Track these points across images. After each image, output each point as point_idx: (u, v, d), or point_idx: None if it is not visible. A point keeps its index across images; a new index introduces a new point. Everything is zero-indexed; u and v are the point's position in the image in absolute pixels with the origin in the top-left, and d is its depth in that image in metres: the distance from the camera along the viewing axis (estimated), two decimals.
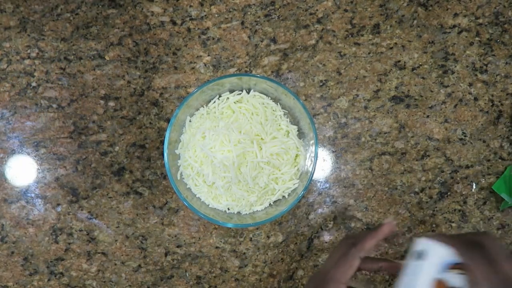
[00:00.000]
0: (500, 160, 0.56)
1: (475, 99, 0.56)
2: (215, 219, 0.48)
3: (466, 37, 0.56)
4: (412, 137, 0.56)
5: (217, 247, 0.56)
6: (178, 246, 0.56)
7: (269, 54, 0.56)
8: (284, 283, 0.56)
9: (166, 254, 0.56)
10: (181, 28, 0.56)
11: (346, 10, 0.56)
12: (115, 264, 0.56)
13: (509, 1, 0.56)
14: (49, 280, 0.57)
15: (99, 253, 0.56)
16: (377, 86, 0.56)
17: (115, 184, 0.56)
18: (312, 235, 0.56)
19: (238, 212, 0.51)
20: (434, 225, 0.56)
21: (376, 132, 0.56)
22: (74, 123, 0.56)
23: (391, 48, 0.56)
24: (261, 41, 0.56)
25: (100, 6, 0.56)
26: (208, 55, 0.56)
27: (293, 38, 0.56)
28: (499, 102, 0.56)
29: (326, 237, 0.56)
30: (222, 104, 0.51)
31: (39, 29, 0.56)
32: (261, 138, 0.49)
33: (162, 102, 0.56)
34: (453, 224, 0.56)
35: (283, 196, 0.52)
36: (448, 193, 0.56)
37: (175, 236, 0.56)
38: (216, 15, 0.56)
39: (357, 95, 0.56)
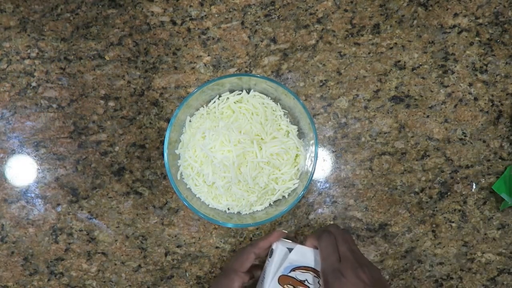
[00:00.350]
0: (500, 160, 0.56)
1: (475, 99, 0.56)
2: (215, 219, 0.48)
3: (466, 37, 0.56)
4: (412, 137, 0.56)
5: (217, 247, 0.56)
6: (178, 246, 0.56)
7: (269, 54, 0.56)
8: None
9: (166, 254, 0.56)
10: (181, 28, 0.56)
11: (346, 10, 0.56)
12: (115, 264, 0.56)
13: (509, 1, 0.56)
14: (49, 280, 0.57)
15: (99, 253, 0.56)
16: (377, 86, 0.56)
17: (115, 184, 0.56)
18: None
19: (238, 212, 0.51)
20: (434, 225, 0.56)
21: (376, 132, 0.56)
22: (74, 123, 0.56)
23: (391, 48, 0.56)
24: (261, 41, 0.56)
25: (100, 6, 0.56)
26: (208, 55, 0.56)
27: (293, 38, 0.56)
28: (499, 102, 0.56)
29: None
30: (222, 104, 0.51)
31: (39, 29, 0.56)
32: (261, 138, 0.49)
33: (162, 102, 0.56)
34: (453, 224, 0.56)
35: (283, 196, 0.52)
36: (448, 193, 0.56)
37: (175, 236, 0.56)
38: (216, 15, 0.56)
39: (357, 95, 0.56)
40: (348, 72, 0.56)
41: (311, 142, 0.49)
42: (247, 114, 0.50)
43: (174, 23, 0.56)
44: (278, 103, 0.52)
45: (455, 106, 0.56)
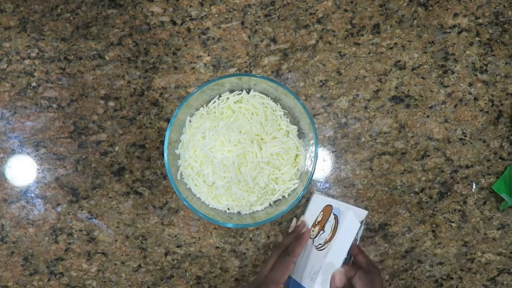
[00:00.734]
0: (500, 160, 0.56)
1: (475, 99, 0.56)
2: (215, 219, 0.48)
3: (466, 37, 0.56)
4: (412, 137, 0.56)
5: (217, 247, 0.56)
6: (178, 246, 0.56)
7: (269, 54, 0.56)
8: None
9: (166, 254, 0.56)
10: (181, 28, 0.56)
11: (346, 10, 0.56)
12: (115, 264, 0.56)
13: (509, 1, 0.56)
14: (49, 280, 0.57)
15: (99, 253, 0.56)
16: (377, 86, 0.56)
17: (115, 184, 0.56)
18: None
19: (238, 212, 0.51)
20: (434, 225, 0.56)
21: (376, 132, 0.56)
22: (74, 123, 0.56)
23: (391, 48, 0.56)
24: (261, 41, 0.56)
25: (100, 6, 0.56)
26: (208, 55, 0.56)
27: (293, 38, 0.56)
28: (499, 102, 0.56)
29: None
30: (222, 104, 0.51)
31: (39, 29, 0.56)
32: (261, 138, 0.49)
33: (162, 102, 0.56)
34: (453, 224, 0.56)
35: (283, 196, 0.52)
36: (448, 193, 0.56)
37: (175, 236, 0.56)
38: (216, 15, 0.56)
39: (357, 95, 0.56)
40: (348, 72, 0.56)
41: (311, 142, 0.49)
42: (247, 114, 0.50)
43: (174, 23, 0.56)
44: (278, 103, 0.52)
45: (455, 106, 0.56)
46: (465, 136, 0.56)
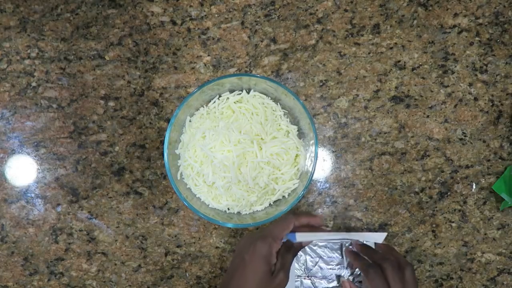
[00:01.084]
0: (500, 160, 0.56)
1: (475, 99, 0.56)
2: (215, 219, 0.48)
3: (466, 37, 0.56)
4: (412, 137, 0.56)
5: (217, 247, 0.56)
6: (178, 246, 0.56)
7: (269, 54, 0.56)
8: None
9: (166, 254, 0.56)
10: (181, 28, 0.56)
11: (346, 10, 0.56)
12: (115, 264, 0.56)
13: (509, 1, 0.56)
14: (49, 280, 0.57)
15: (99, 253, 0.56)
16: (377, 86, 0.56)
17: (115, 184, 0.56)
18: None
19: (238, 212, 0.51)
20: (434, 225, 0.56)
21: (376, 132, 0.56)
22: (74, 123, 0.56)
23: (391, 48, 0.56)
24: (261, 41, 0.56)
25: (100, 6, 0.56)
26: (208, 55, 0.56)
27: (293, 38, 0.56)
28: (499, 102, 0.56)
29: None
30: (222, 104, 0.51)
31: (39, 29, 0.56)
32: (261, 138, 0.49)
33: (162, 102, 0.56)
34: (453, 224, 0.56)
35: (283, 196, 0.52)
36: (448, 193, 0.56)
37: (175, 236, 0.56)
38: (216, 15, 0.56)
39: (357, 95, 0.56)
40: (348, 72, 0.56)
41: (311, 142, 0.49)
42: (247, 114, 0.50)
43: (174, 23, 0.56)
44: (278, 103, 0.52)
45: (455, 106, 0.56)
46: (465, 136, 0.56)
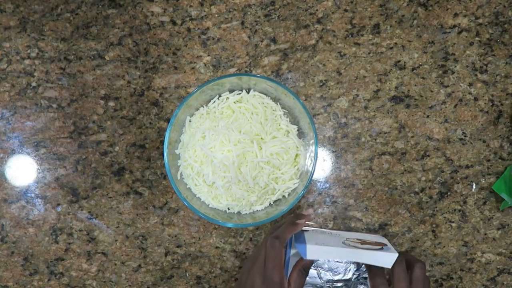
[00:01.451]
0: (500, 160, 0.56)
1: (475, 99, 0.56)
2: (215, 219, 0.48)
3: (466, 37, 0.56)
4: (412, 137, 0.56)
5: (217, 247, 0.56)
6: (178, 246, 0.56)
7: (269, 54, 0.56)
8: None
9: (166, 254, 0.56)
10: (181, 28, 0.56)
11: (346, 10, 0.56)
12: (115, 264, 0.56)
13: (509, 1, 0.56)
14: (49, 280, 0.57)
15: (99, 253, 0.56)
16: (377, 86, 0.56)
17: (115, 184, 0.56)
18: None
19: (238, 212, 0.51)
20: (434, 225, 0.56)
21: (376, 132, 0.56)
22: (74, 123, 0.56)
23: (391, 48, 0.56)
24: (261, 41, 0.56)
25: (100, 6, 0.56)
26: (208, 55, 0.56)
27: (293, 38, 0.56)
28: (499, 102, 0.56)
29: None
30: (222, 104, 0.51)
31: (39, 29, 0.56)
32: (261, 138, 0.49)
33: (162, 102, 0.56)
34: (453, 224, 0.56)
35: (283, 196, 0.52)
36: (448, 193, 0.56)
37: (175, 236, 0.56)
38: (216, 15, 0.56)
39: (357, 95, 0.56)
40: (348, 72, 0.56)
41: (311, 141, 0.49)
42: (247, 114, 0.50)
43: (174, 23, 0.56)
44: (278, 103, 0.52)
45: (455, 106, 0.56)
46: (465, 136, 0.56)
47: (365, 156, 0.56)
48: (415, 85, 0.56)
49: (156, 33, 0.56)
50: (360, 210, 0.56)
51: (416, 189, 0.56)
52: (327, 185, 0.56)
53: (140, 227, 0.56)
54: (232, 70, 0.56)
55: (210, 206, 0.51)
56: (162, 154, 0.56)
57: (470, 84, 0.56)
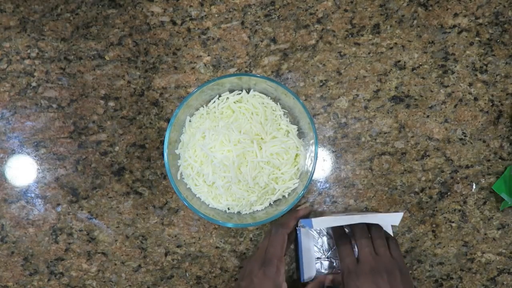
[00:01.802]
0: (500, 160, 0.56)
1: (475, 99, 0.56)
2: (215, 219, 0.48)
3: (466, 37, 0.56)
4: (412, 137, 0.56)
5: (217, 247, 0.56)
6: (178, 246, 0.56)
7: (269, 54, 0.56)
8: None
9: (166, 254, 0.56)
10: (181, 28, 0.56)
11: (346, 10, 0.56)
12: (115, 264, 0.56)
13: (509, 1, 0.56)
14: (49, 280, 0.57)
15: (99, 253, 0.56)
16: (377, 86, 0.56)
17: (115, 184, 0.56)
18: None
19: (238, 212, 0.51)
20: (434, 225, 0.56)
21: (376, 132, 0.56)
22: (74, 123, 0.56)
23: (391, 48, 0.56)
24: (261, 41, 0.56)
25: (100, 6, 0.56)
26: (208, 55, 0.56)
27: (293, 38, 0.56)
28: (499, 102, 0.56)
29: None
30: (222, 104, 0.51)
31: (39, 29, 0.56)
32: (261, 138, 0.49)
33: (162, 102, 0.56)
34: (453, 224, 0.56)
35: (283, 196, 0.52)
36: (448, 193, 0.56)
37: (175, 236, 0.56)
38: (216, 15, 0.56)
39: (357, 95, 0.56)
40: (348, 72, 0.56)
41: (311, 141, 0.49)
42: (247, 114, 0.50)
43: (174, 23, 0.56)
44: (278, 103, 0.52)
45: (455, 106, 0.56)
46: (465, 136, 0.56)
47: (365, 156, 0.56)
48: (415, 85, 0.56)
49: (156, 33, 0.56)
50: (360, 210, 0.56)
51: (416, 189, 0.56)
52: (327, 185, 0.56)
53: (140, 227, 0.56)
54: (232, 70, 0.56)
55: (210, 206, 0.51)
56: (162, 154, 0.56)
57: (470, 84, 0.56)
